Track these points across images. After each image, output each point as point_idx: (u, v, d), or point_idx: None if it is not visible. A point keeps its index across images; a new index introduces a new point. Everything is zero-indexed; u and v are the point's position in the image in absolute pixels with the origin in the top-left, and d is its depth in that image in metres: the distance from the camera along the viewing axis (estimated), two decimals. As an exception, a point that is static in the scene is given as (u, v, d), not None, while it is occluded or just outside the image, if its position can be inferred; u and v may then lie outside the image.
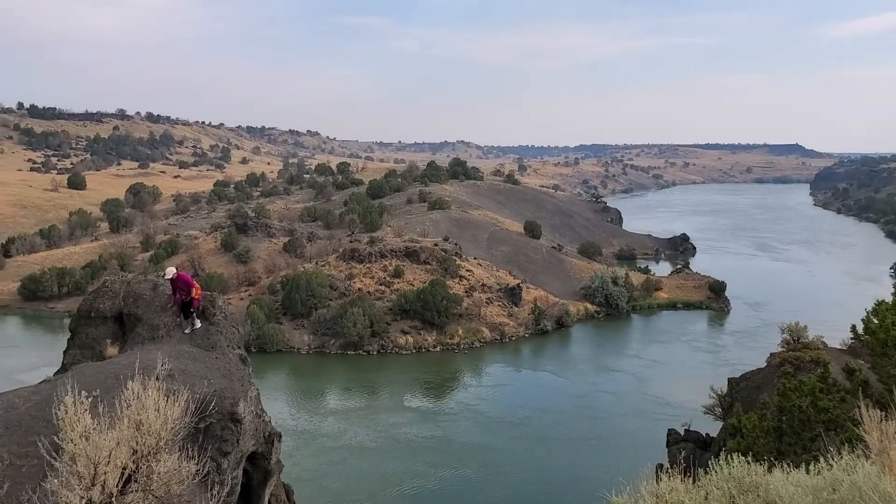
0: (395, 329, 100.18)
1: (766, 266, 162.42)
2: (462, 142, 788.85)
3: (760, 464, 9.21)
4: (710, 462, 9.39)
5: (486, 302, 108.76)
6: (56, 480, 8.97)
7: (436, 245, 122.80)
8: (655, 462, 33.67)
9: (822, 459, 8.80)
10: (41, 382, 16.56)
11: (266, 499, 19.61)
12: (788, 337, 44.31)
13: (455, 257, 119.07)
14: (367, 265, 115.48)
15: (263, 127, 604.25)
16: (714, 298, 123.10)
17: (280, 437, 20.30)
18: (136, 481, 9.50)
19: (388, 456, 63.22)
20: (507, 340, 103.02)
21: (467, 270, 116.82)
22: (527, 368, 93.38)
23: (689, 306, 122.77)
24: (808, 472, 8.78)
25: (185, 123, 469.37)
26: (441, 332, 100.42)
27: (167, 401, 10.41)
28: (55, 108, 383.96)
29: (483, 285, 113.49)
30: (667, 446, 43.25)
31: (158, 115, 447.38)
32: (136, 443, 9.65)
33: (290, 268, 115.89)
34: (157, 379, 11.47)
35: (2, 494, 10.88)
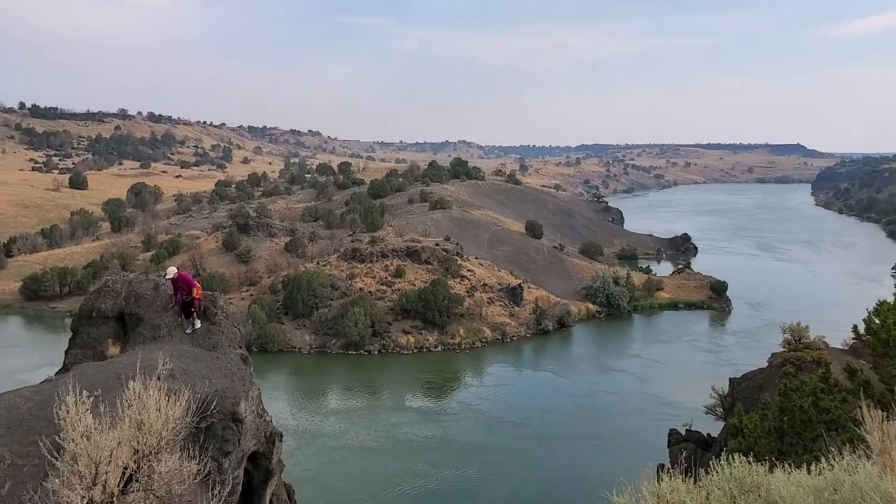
0: (396, 329, 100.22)
1: (768, 266, 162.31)
2: (463, 142, 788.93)
3: (762, 464, 9.21)
4: (711, 462, 9.39)
5: (488, 302, 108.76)
6: (57, 480, 8.97)
7: (437, 245, 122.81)
8: (657, 462, 33.60)
9: (823, 460, 8.79)
10: (42, 382, 16.58)
11: (267, 498, 19.62)
12: (790, 337, 44.18)
13: (456, 257, 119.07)
14: (369, 265, 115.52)
15: (265, 127, 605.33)
16: (715, 298, 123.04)
17: (281, 436, 20.30)
18: (137, 481, 9.51)
19: (390, 456, 63.23)
20: (509, 340, 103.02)
21: (468, 270, 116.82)
22: (528, 368, 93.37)
23: (690, 306, 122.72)
24: (809, 472, 8.77)
25: (187, 123, 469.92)
26: (442, 332, 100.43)
27: (168, 400, 10.41)
28: (57, 108, 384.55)
29: (484, 285, 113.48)
30: (668, 446, 43.20)
31: (160, 115, 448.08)
32: (138, 442, 9.65)
33: (292, 267, 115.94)
34: (159, 379, 11.48)
35: (3, 494, 10.89)
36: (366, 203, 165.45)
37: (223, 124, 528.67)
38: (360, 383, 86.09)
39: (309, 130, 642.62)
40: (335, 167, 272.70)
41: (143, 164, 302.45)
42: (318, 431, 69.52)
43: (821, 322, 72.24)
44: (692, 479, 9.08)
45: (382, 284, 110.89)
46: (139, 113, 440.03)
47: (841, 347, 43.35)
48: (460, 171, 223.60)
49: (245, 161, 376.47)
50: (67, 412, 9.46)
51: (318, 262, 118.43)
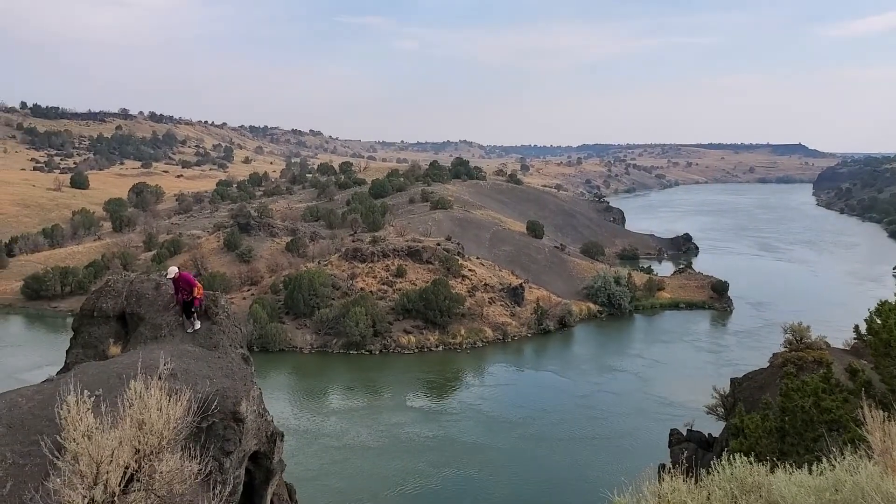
0: (397, 329, 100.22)
1: (769, 266, 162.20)
2: (464, 141, 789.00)
3: (763, 464, 9.20)
4: (712, 462, 9.38)
5: (489, 302, 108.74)
6: (58, 479, 8.98)
7: (438, 245, 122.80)
8: (658, 462, 33.65)
9: (824, 460, 8.79)
10: (44, 381, 16.59)
11: (268, 498, 19.63)
12: (791, 337, 44.19)
13: (457, 257, 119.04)
14: (370, 265, 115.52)
15: (266, 126, 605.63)
16: (717, 298, 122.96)
17: (282, 436, 20.31)
18: (138, 480, 9.51)
19: (391, 455, 63.23)
20: (510, 340, 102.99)
21: (470, 270, 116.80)
22: (529, 368, 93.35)
23: (691, 306, 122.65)
24: (810, 472, 8.77)
25: (188, 123, 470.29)
26: (443, 332, 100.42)
27: (170, 400, 10.42)
28: (58, 108, 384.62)
29: (485, 285, 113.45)
30: (669, 446, 43.19)
31: (161, 115, 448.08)
32: (139, 442, 9.66)
33: (293, 267, 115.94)
34: (160, 378, 11.48)
35: (5, 493, 10.90)
36: (367, 203, 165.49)
37: (224, 124, 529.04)
38: (361, 383, 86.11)
39: (310, 130, 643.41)
40: (336, 167, 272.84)
41: (144, 164, 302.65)
42: (319, 431, 69.53)
43: (822, 322, 72.23)
44: (693, 479, 9.08)
45: (383, 284, 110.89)
46: (140, 113, 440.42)
47: (842, 347, 43.30)
48: (461, 170, 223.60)
49: (246, 161, 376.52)
50: (69, 412, 9.47)
51: (319, 262, 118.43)
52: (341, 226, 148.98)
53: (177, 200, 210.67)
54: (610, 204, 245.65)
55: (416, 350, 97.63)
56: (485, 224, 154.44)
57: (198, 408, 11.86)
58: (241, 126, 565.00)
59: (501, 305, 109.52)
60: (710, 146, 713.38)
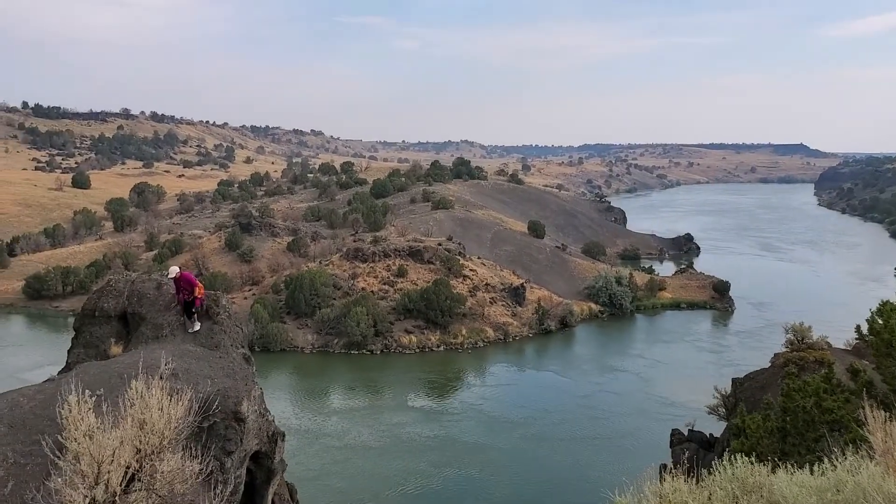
0: (398, 328, 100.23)
1: (771, 266, 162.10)
2: (466, 141, 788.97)
3: (764, 464, 9.20)
4: (713, 462, 9.38)
5: (490, 301, 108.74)
6: (60, 479, 8.99)
7: (439, 244, 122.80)
8: (659, 462, 33.59)
9: (826, 460, 8.78)
10: (45, 381, 16.60)
11: (269, 498, 19.63)
12: (792, 337, 44.11)
13: (459, 257, 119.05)
14: (371, 264, 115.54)
15: (267, 126, 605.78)
16: (718, 298, 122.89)
17: (283, 436, 20.32)
18: (139, 480, 9.52)
19: (392, 455, 63.25)
20: (511, 340, 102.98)
21: (471, 270, 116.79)
22: (530, 368, 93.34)
23: (693, 306, 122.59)
24: (811, 472, 8.76)
25: (190, 123, 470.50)
26: (444, 332, 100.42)
27: (171, 400, 10.42)
28: (60, 108, 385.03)
29: (487, 285, 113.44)
30: (670, 446, 43.16)
31: (163, 115, 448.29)
32: (140, 442, 9.67)
33: (294, 267, 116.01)
34: (161, 378, 11.49)
35: (6, 492, 10.91)
36: (368, 203, 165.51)
37: (226, 124, 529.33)
38: (362, 383, 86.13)
39: (311, 130, 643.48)
40: (338, 167, 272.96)
41: (145, 164, 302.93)
42: (321, 431, 69.57)
43: (824, 322, 72.11)
44: (694, 479, 9.07)
45: (385, 284, 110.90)
46: (142, 112, 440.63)
47: (844, 348, 43.21)
48: (463, 170, 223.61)
49: (248, 161, 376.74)
50: (70, 411, 9.48)
51: (320, 262, 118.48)
52: (342, 226, 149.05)
53: (178, 200, 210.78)
54: (611, 204, 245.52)
55: (418, 350, 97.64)
56: (486, 224, 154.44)
57: (199, 407, 11.86)
58: (243, 126, 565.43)
59: (503, 305, 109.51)
60: (712, 146, 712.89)
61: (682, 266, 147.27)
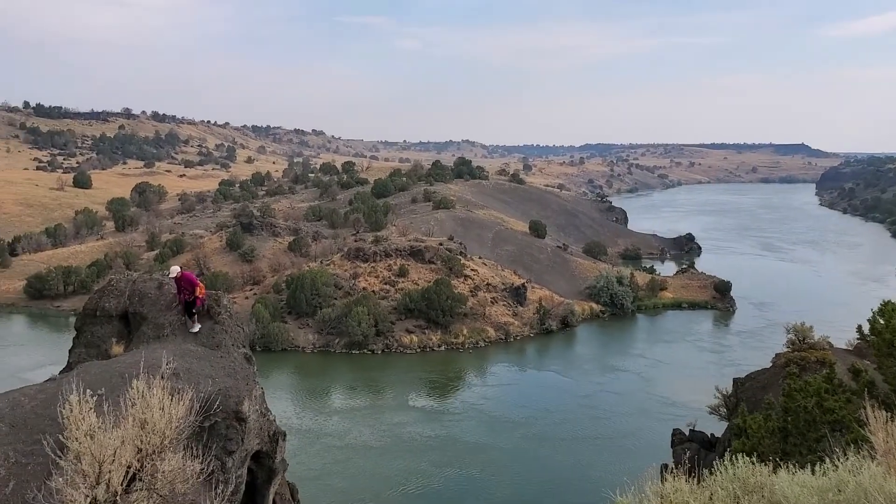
0: (399, 328, 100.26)
1: (772, 266, 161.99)
2: (467, 141, 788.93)
3: (765, 464, 9.19)
4: (714, 462, 9.37)
5: (491, 301, 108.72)
6: (61, 479, 8.99)
7: (440, 244, 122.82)
8: (660, 462, 33.57)
9: (827, 460, 8.77)
10: (47, 381, 16.62)
11: (271, 497, 19.64)
12: (794, 337, 44.06)
13: (460, 257, 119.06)
14: (372, 264, 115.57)
15: (268, 126, 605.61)
16: (719, 298, 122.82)
17: (285, 435, 20.33)
18: (140, 480, 9.52)
19: (393, 455, 63.27)
20: (512, 340, 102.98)
21: (472, 270, 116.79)
22: (531, 368, 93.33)
23: (694, 306, 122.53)
24: (813, 472, 8.75)
25: (191, 123, 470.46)
26: (446, 332, 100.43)
27: (172, 400, 10.42)
28: (61, 108, 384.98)
29: (488, 285, 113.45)
30: (671, 446, 43.14)
31: (164, 115, 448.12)
32: (141, 441, 9.67)
33: (295, 267, 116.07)
34: (162, 378, 11.49)
35: (7, 492, 10.92)
36: (369, 202, 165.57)
37: (227, 124, 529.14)
38: (363, 383, 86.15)
39: (312, 130, 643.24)
40: (339, 166, 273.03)
41: (147, 164, 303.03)
42: (322, 431, 69.59)
43: (825, 322, 72.04)
44: (696, 479, 9.06)
45: (386, 284, 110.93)
46: (143, 112, 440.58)
47: (845, 348, 43.15)
48: (464, 170, 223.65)
49: (249, 160, 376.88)
50: (71, 411, 9.48)
51: (321, 262, 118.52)
52: (344, 225, 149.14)
53: (179, 200, 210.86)
54: (612, 204, 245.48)
55: (419, 350, 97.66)
56: (487, 224, 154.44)
57: (200, 407, 11.86)
58: (244, 126, 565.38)
59: (504, 305, 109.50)
60: (713, 146, 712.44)
61: (684, 266, 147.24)
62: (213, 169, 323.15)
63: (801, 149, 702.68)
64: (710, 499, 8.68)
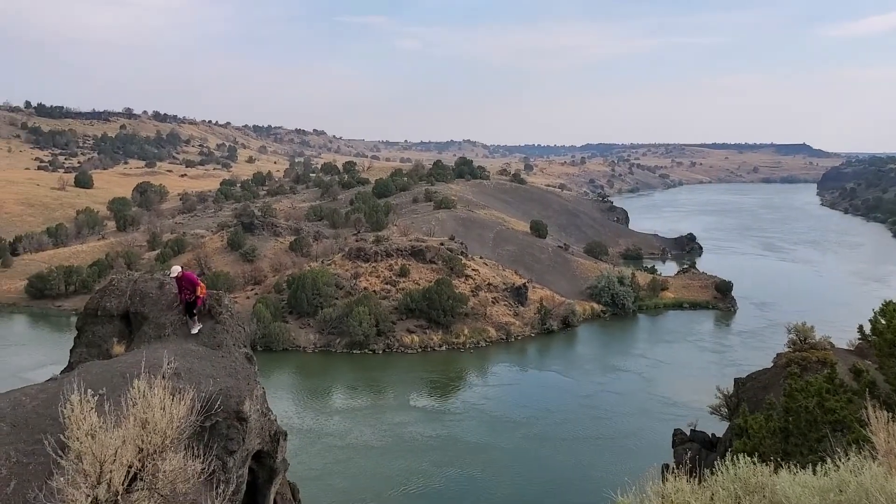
0: (400, 328, 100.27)
1: (773, 266, 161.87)
2: (468, 141, 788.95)
3: (766, 464, 9.18)
4: (715, 462, 9.36)
5: (492, 301, 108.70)
6: (62, 478, 9.00)
7: (442, 244, 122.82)
8: (661, 462, 33.59)
9: (828, 460, 8.76)
10: (48, 380, 16.63)
11: (272, 497, 19.65)
12: (795, 337, 44.06)
13: (461, 256, 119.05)
14: (373, 264, 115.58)
15: (269, 126, 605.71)
16: (720, 298, 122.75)
17: (286, 435, 20.33)
18: (141, 480, 9.52)
19: (394, 455, 63.28)
20: (513, 340, 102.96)
21: (473, 270, 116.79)
22: (532, 368, 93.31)
23: (695, 306, 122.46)
24: (814, 473, 8.74)
25: (192, 122, 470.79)
26: (447, 332, 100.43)
27: (173, 399, 10.42)
28: (62, 107, 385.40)
29: (489, 285, 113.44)
30: (672, 446, 43.16)
31: (165, 115, 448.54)
32: (142, 441, 9.67)
33: (296, 267, 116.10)
34: (164, 377, 11.50)
35: (9, 492, 10.92)
36: (370, 202, 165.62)
37: (228, 123, 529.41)
38: (364, 383, 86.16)
39: (314, 130, 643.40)
40: (340, 166, 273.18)
41: (148, 164, 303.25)
42: (323, 430, 69.61)
43: (826, 322, 71.99)
44: (697, 479, 9.06)
45: (387, 284, 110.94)
46: (144, 112, 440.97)
47: (846, 348, 43.14)
48: (465, 170, 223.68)
49: (250, 160, 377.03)
50: (72, 411, 9.49)
51: (322, 262, 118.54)
52: (345, 225, 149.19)
53: (181, 200, 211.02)
54: (613, 204, 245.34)
55: (420, 350, 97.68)
56: (488, 224, 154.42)
57: (201, 407, 11.86)
58: (245, 125, 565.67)
59: (505, 305, 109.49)
60: (714, 146, 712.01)
61: (685, 266, 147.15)
62: (214, 169, 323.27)
63: (802, 149, 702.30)
64: (712, 499, 8.67)
